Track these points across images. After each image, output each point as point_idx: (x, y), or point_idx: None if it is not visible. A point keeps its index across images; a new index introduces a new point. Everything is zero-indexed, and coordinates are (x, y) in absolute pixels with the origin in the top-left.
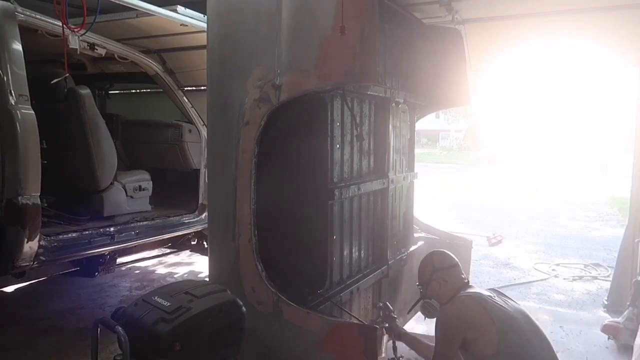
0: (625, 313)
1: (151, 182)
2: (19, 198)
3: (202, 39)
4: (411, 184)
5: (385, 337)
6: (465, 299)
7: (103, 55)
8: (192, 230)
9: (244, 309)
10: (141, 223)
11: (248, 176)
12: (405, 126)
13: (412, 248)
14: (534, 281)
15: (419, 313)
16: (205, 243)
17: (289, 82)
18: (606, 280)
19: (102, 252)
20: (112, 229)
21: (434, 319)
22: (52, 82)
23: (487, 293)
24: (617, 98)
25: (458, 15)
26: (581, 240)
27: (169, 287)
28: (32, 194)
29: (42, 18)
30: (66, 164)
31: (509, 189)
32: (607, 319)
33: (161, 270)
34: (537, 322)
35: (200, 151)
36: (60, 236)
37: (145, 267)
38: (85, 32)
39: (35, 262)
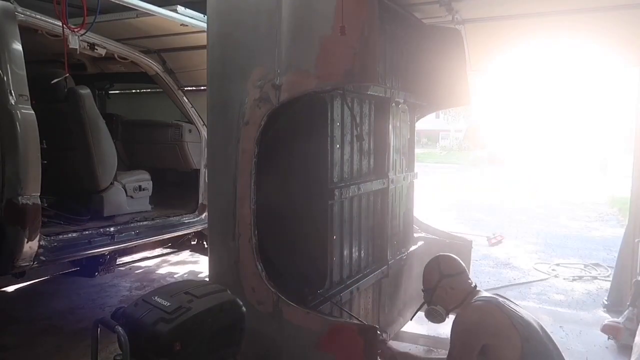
0: (625, 313)
1: (151, 182)
2: (19, 198)
3: (202, 39)
4: (411, 184)
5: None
6: (483, 305)
7: (103, 55)
8: (192, 230)
9: (244, 309)
10: (141, 223)
11: (248, 176)
12: (405, 126)
13: (412, 248)
14: (533, 281)
15: (419, 314)
16: (205, 243)
17: (289, 82)
18: (606, 280)
19: (102, 252)
20: (112, 229)
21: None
22: (52, 82)
23: (501, 298)
24: (617, 98)
25: (458, 15)
26: (581, 240)
27: (169, 287)
28: (32, 194)
29: (42, 18)
30: (66, 164)
31: (509, 189)
32: (607, 319)
33: (161, 270)
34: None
35: (200, 151)
36: (60, 236)
37: (145, 267)
38: (85, 32)
39: (35, 262)
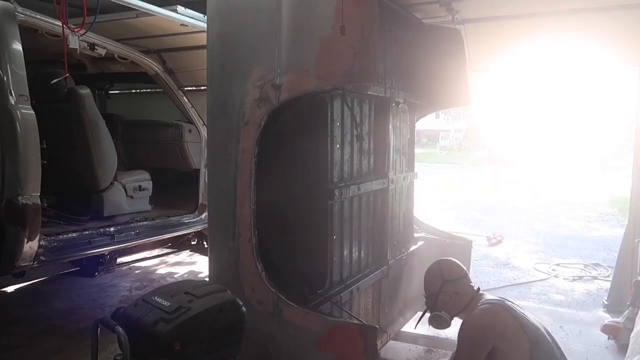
0: (625, 313)
1: (151, 182)
2: (19, 198)
3: (202, 39)
4: (411, 184)
5: None
6: (492, 308)
7: (103, 55)
8: (192, 230)
9: (244, 309)
10: (141, 223)
11: (248, 176)
12: (405, 126)
13: (412, 248)
14: (534, 281)
15: (419, 314)
16: (205, 243)
17: (289, 82)
18: (606, 280)
19: (102, 252)
20: (112, 229)
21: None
22: (52, 82)
23: (508, 302)
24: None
25: (458, 15)
26: (581, 240)
27: (169, 287)
28: (32, 194)
29: (42, 18)
30: (66, 164)
31: (509, 189)
32: (607, 319)
33: (161, 270)
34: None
35: (200, 151)
36: (60, 236)
37: (145, 267)
38: (85, 32)
39: (35, 262)
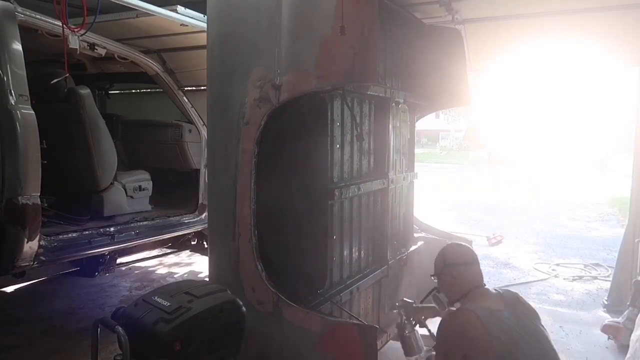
0: (625, 313)
1: (151, 182)
2: (19, 198)
3: (202, 39)
4: (411, 184)
5: (416, 330)
6: (469, 315)
7: (103, 55)
8: (192, 230)
9: (244, 309)
10: (141, 223)
11: (248, 176)
12: (405, 126)
13: (412, 248)
14: (533, 281)
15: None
16: (205, 243)
17: (289, 82)
18: (606, 280)
19: (102, 252)
20: (112, 229)
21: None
22: (52, 82)
23: (497, 307)
24: (616, 98)
25: (458, 15)
26: (581, 240)
27: (169, 287)
28: (32, 194)
29: (42, 18)
30: (66, 164)
31: (509, 189)
32: (607, 319)
33: (161, 270)
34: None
35: (200, 151)
36: (60, 236)
37: (145, 267)
38: (85, 32)
39: (35, 262)
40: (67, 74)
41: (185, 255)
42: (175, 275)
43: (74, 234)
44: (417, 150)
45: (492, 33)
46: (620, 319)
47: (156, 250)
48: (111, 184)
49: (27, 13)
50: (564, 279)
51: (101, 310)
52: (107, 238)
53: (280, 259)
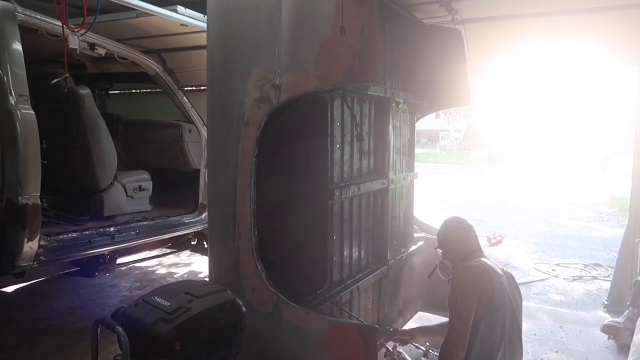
0: (625, 313)
1: (151, 182)
2: (19, 198)
3: (202, 39)
4: (411, 184)
5: (402, 352)
6: (479, 266)
7: (103, 55)
8: (192, 230)
9: (244, 309)
10: (141, 223)
11: (248, 176)
12: (405, 126)
13: (412, 248)
14: (533, 281)
15: (419, 314)
16: (205, 243)
17: (289, 82)
18: (606, 280)
19: (102, 252)
20: (112, 229)
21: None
22: (52, 82)
23: (499, 272)
24: (616, 98)
25: (458, 15)
26: (581, 240)
27: (169, 287)
28: (32, 194)
29: (42, 18)
30: (66, 164)
31: (509, 189)
32: (607, 319)
33: (161, 270)
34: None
35: (200, 151)
36: (60, 236)
37: (145, 267)
38: (85, 32)
39: (35, 262)
40: (67, 74)
41: (185, 255)
42: (175, 275)
43: (74, 234)
44: (417, 150)
45: (492, 33)
46: (620, 319)
47: (156, 250)
48: (111, 184)
49: (27, 13)
50: (564, 279)
51: (101, 310)
52: (107, 238)
53: (280, 259)
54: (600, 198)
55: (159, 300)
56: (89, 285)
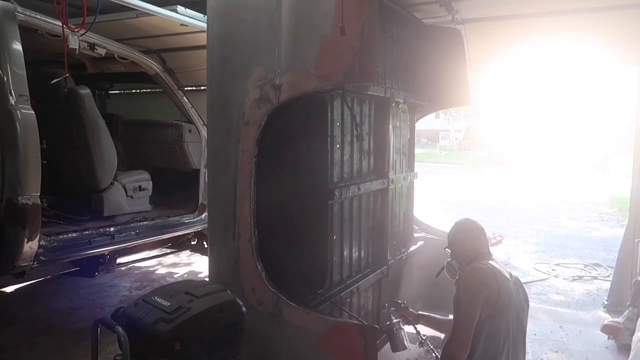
0: (625, 313)
1: (151, 182)
2: (19, 198)
3: (202, 39)
4: (411, 184)
5: (403, 329)
6: (486, 268)
7: (103, 55)
8: (192, 230)
9: (244, 309)
10: (141, 223)
11: (248, 176)
12: (405, 126)
13: (412, 248)
14: (533, 281)
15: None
16: (205, 243)
17: (289, 82)
18: (606, 280)
19: (102, 252)
20: (112, 229)
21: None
22: (52, 82)
23: (506, 275)
24: (616, 98)
25: (458, 15)
26: (581, 240)
27: (169, 287)
28: (32, 194)
29: (42, 18)
30: (66, 164)
31: (509, 189)
32: (607, 319)
33: (161, 270)
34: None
35: (200, 151)
36: (60, 236)
37: (145, 267)
38: (85, 32)
39: (35, 262)
40: (67, 74)
41: (185, 255)
42: (175, 275)
43: (74, 234)
44: (417, 150)
45: (492, 33)
46: (620, 319)
47: (156, 250)
48: (111, 184)
49: (27, 13)
50: (564, 279)
51: (101, 310)
52: (107, 238)
53: (280, 259)
54: (600, 198)
55: (159, 300)
56: (89, 285)
